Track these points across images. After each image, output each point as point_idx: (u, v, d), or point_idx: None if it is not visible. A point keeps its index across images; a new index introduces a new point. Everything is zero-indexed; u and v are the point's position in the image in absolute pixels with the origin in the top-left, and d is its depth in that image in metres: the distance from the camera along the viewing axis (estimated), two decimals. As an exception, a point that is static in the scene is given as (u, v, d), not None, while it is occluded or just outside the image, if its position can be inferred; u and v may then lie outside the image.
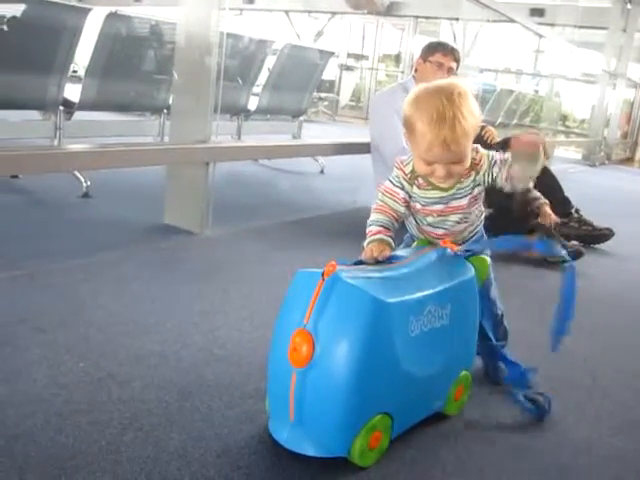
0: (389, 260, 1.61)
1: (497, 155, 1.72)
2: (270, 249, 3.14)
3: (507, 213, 3.49)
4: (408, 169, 1.75)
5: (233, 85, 5.51)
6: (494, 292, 1.88)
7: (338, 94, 15.50)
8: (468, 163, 1.68)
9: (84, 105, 4.25)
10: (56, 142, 4.11)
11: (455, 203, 1.75)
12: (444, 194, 1.73)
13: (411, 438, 1.57)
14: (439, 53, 3.87)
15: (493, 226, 3.69)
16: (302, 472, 1.40)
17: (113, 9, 4.26)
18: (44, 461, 1.33)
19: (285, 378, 1.41)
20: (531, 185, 3.68)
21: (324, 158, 5.94)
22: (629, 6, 10.72)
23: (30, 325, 1.96)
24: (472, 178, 1.72)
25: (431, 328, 1.54)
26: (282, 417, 1.45)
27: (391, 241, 1.69)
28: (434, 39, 5.21)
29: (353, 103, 16.56)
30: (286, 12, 16.61)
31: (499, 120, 9.79)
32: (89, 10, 3.98)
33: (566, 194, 4.08)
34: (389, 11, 14.89)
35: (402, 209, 1.76)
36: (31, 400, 1.55)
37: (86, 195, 3.81)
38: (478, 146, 1.73)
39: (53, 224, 3.25)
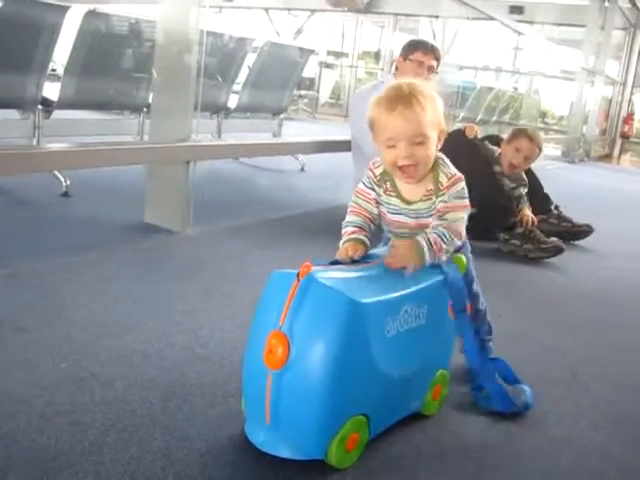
0: (365, 259, 1.61)
1: (445, 206, 1.68)
2: (251, 247, 3.13)
3: (492, 207, 3.53)
4: (378, 171, 1.75)
5: (213, 83, 5.49)
6: (477, 287, 1.89)
7: (318, 92, 15.48)
8: (432, 154, 1.67)
9: (63, 104, 4.23)
10: (35, 141, 4.08)
11: (423, 221, 1.72)
12: (405, 206, 1.72)
13: (394, 434, 1.58)
14: (419, 52, 3.88)
15: (478, 220, 3.71)
16: (285, 470, 1.40)
17: (92, 7, 4.23)
18: (26, 462, 1.32)
19: (261, 380, 1.39)
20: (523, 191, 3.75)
21: (304, 156, 5.94)
22: (607, 4, 10.80)
23: (11, 325, 1.95)
24: (432, 200, 1.70)
25: (408, 328, 1.53)
26: (258, 420, 1.44)
27: (366, 240, 1.69)
28: (413, 37, 5.24)
29: (333, 101, 16.56)
30: (266, 10, 16.58)
31: (479, 117, 9.84)
32: (68, 8, 3.95)
33: (545, 191, 4.12)
34: (368, 8, 14.89)
35: (375, 210, 1.77)
36: (13, 401, 1.54)
37: (66, 194, 3.79)
38: (457, 174, 1.71)
39: (34, 224, 3.23)
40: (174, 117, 3.23)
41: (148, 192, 3.38)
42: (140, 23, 4.78)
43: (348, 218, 1.76)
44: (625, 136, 13.68)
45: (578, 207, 4.63)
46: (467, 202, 1.70)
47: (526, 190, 3.76)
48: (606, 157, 12.81)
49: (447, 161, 1.72)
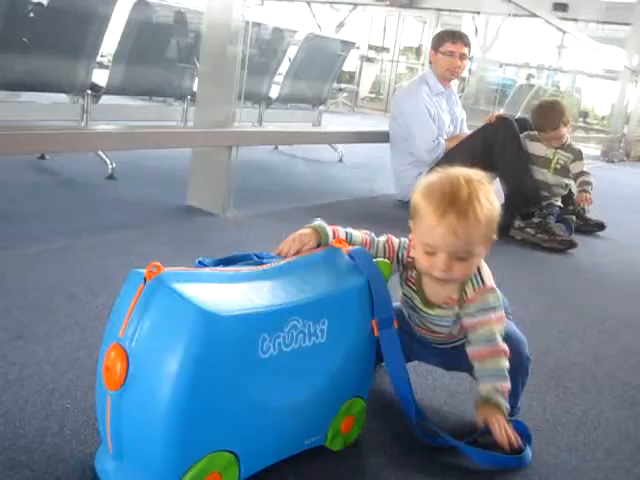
0: (261, 260, 1.42)
1: (473, 321, 1.45)
2: (290, 231, 3.22)
3: (523, 190, 3.66)
4: (405, 253, 1.52)
5: (256, 73, 5.60)
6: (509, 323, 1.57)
7: (358, 85, 15.56)
8: (473, 270, 1.44)
9: (111, 89, 4.38)
10: (83, 124, 4.24)
11: (433, 327, 1.54)
12: (424, 308, 1.51)
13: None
14: (448, 42, 3.95)
15: (511, 203, 3.80)
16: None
17: (141, -4, 4.37)
18: (80, 412, 1.44)
19: (103, 401, 1.17)
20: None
21: (343, 147, 6.03)
22: (653, 1, 10.73)
23: (64, 292, 2.08)
24: (454, 311, 1.47)
25: (297, 348, 1.24)
26: (104, 446, 1.23)
27: (328, 230, 1.50)
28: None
29: (373, 95, 16.63)
30: (308, 3, 16.68)
31: (518, 114, 9.83)
32: (118, -4, 4.09)
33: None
34: (411, 3, 14.93)
35: (381, 255, 1.51)
36: (65, 359, 1.66)
37: (112, 177, 3.93)
38: (487, 283, 1.46)
39: (81, 203, 3.38)
40: (218, 105, 3.34)
41: (191, 176, 3.51)
42: (187, 13, 4.92)
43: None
44: (668, 137, 13.52)
45: (613, 206, 4.65)
46: (501, 313, 1.45)
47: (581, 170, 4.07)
48: (647, 158, 12.69)
49: (484, 269, 1.48)
